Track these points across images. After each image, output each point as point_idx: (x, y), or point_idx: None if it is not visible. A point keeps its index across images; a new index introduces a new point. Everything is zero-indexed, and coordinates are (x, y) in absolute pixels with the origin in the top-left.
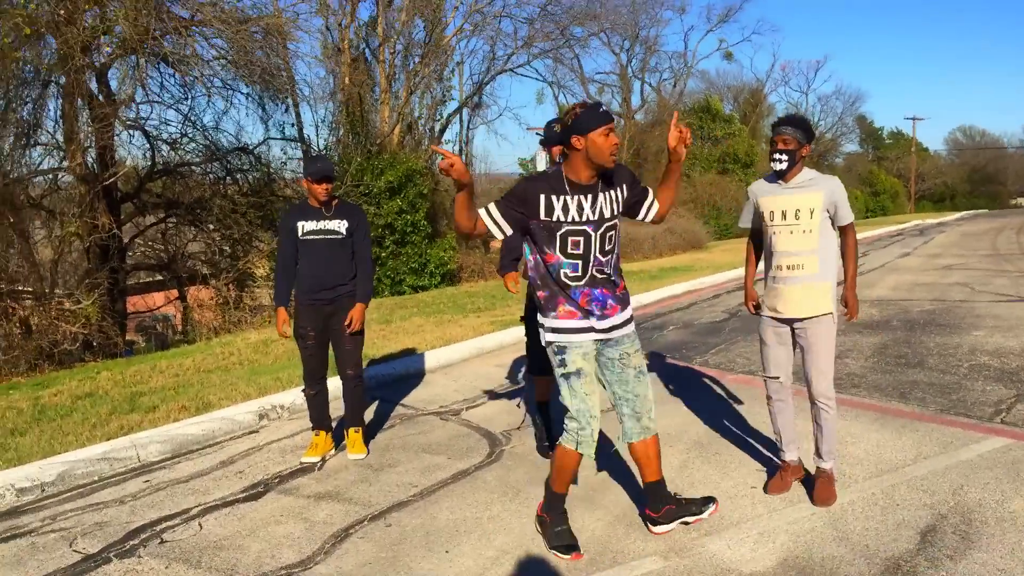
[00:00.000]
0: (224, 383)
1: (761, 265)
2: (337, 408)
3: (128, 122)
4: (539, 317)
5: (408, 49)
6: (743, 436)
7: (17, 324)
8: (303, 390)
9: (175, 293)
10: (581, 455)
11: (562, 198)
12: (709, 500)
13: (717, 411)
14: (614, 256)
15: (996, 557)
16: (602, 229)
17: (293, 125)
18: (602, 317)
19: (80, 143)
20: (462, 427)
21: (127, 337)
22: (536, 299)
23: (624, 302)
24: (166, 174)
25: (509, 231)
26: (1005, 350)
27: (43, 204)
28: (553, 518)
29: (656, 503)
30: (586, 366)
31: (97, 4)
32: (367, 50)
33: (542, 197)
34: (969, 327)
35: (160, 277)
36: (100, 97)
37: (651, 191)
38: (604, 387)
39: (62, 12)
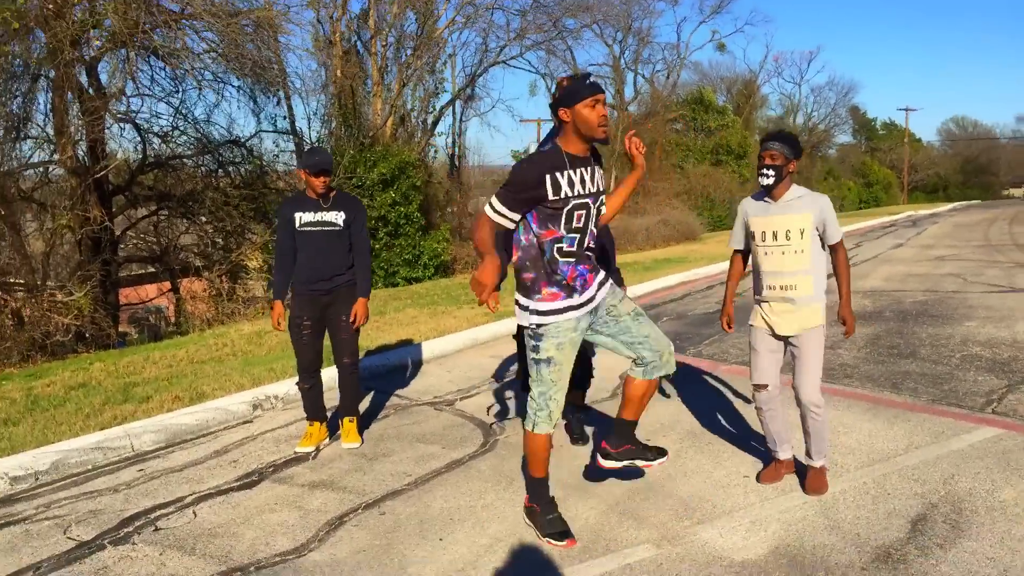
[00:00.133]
0: (218, 374)
1: (749, 281)
2: (331, 398)
3: (119, 115)
4: (520, 299)
5: (400, 41)
6: (736, 426)
7: (9, 316)
8: (297, 383)
9: (168, 285)
10: (548, 436)
11: (566, 173)
12: (662, 452)
13: (710, 401)
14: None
15: (986, 546)
16: (598, 202)
17: (285, 118)
18: (582, 291)
19: (71, 136)
20: (456, 417)
21: (120, 329)
22: (519, 281)
23: (597, 271)
24: (157, 167)
25: (518, 217)
26: (997, 340)
27: (34, 197)
28: (542, 507)
29: (619, 440)
30: (557, 355)
31: None
32: (359, 43)
33: (547, 178)
34: (961, 318)
35: (152, 269)
36: (90, 90)
37: (605, 192)
38: (618, 351)
39: (51, 6)
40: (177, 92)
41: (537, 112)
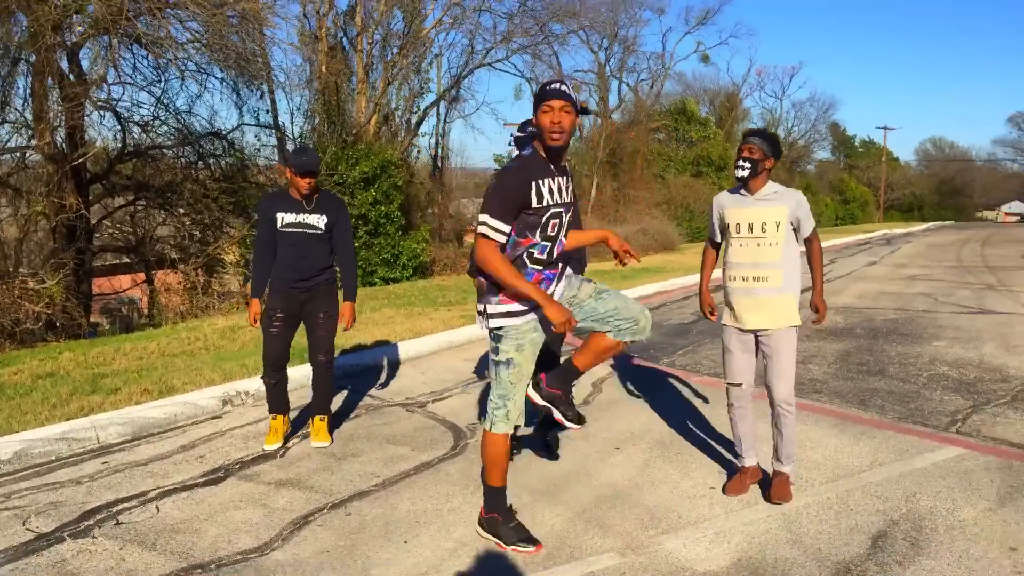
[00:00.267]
0: (188, 368)
1: (718, 272)
2: (302, 396)
3: (99, 103)
4: (480, 305)
5: (386, 39)
6: (705, 437)
7: None
8: (262, 377)
9: (142, 276)
10: (505, 435)
11: (547, 181)
12: (581, 420)
13: (681, 412)
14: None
15: (944, 564)
16: (570, 212)
17: (268, 112)
18: None
19: (49, 122)
20: (427, 419)
21: (91, 319)
22: (479, 285)
23: (562, 278)
24: (137, 156)
25: (509, 229)
26: (964, 361)
27: (9, 182)
28: (503, 516)
29: (559, 382)
30: (517, 357)
31: None
32: (345, 39)
33: (533, 185)
34: (931, 337)
35: (127, 260)
36: (71, 76)
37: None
38: (596, 331)
39: None
40: (159, 81)
41: (521, 116)
